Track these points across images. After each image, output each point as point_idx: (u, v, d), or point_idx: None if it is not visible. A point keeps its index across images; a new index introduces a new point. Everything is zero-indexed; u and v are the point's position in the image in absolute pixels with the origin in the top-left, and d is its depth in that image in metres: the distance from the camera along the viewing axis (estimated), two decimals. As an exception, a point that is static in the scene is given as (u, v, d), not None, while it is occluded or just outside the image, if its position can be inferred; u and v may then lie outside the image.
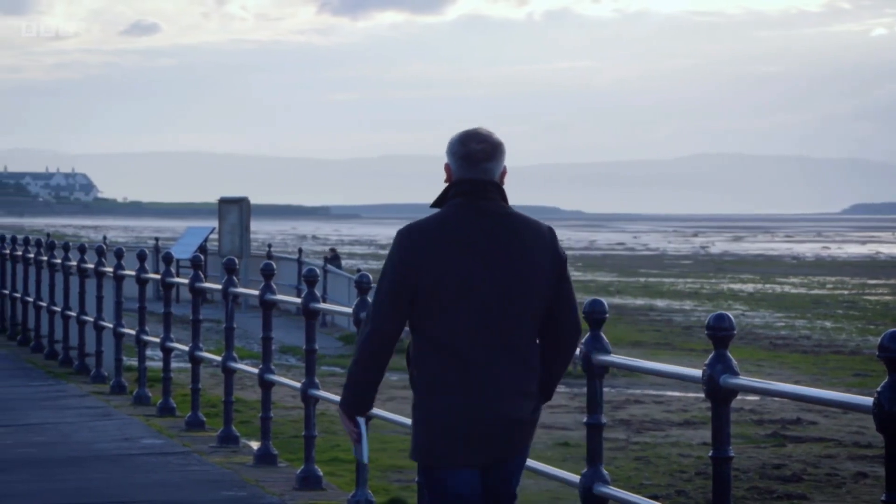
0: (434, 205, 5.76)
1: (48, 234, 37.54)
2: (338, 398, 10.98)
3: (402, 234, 5.65)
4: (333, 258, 41.92)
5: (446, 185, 5.73)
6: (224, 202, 44.63)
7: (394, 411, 11.61)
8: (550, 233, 5.73)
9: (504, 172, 5.72)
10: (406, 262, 5.60)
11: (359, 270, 32.30)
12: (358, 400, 5.74)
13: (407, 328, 5.73)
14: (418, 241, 5.60)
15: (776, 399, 22.26)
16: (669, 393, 25.36)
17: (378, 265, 78.53)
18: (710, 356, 6.23)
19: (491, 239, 5.62)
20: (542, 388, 5.80)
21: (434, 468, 5.69)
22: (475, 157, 5.65)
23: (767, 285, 64.41)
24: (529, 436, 5.85)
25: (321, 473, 10.95)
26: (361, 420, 5.80)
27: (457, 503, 5.68)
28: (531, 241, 5.66)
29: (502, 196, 5.69)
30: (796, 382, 24.33)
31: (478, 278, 5.59)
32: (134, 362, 18.42)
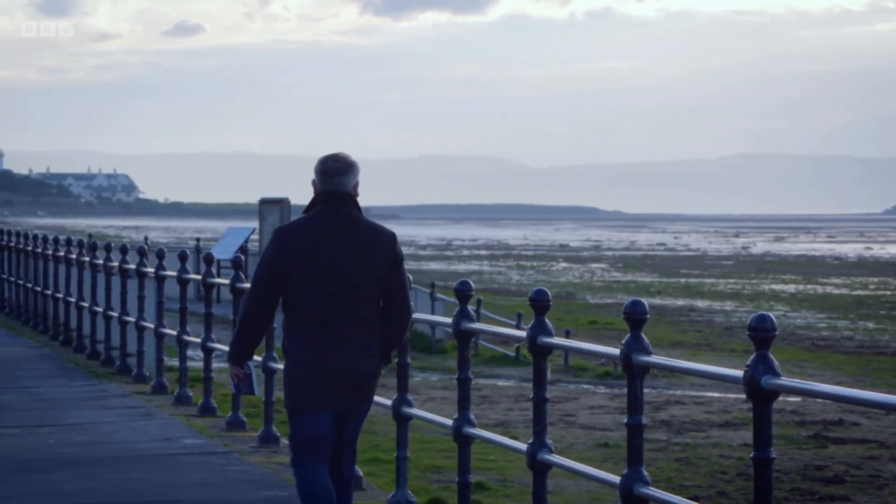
0: (304, 211, 7.47)
1: (90, 235, 37.74)
2: (379, 399, 10.99)
3: (276, 232, 7.40)
4: None
5: (313, 196, 7.45)
6: (265, 203, 44.72)
7: (433, 412, 11.65)
8: (391, 236, 7.46)
9: (357, 185, 7.44)
10: (278, 253, 7.35)
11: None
12: (244, 351, 7.57)
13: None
14: (288, 238, 7.35)
15: (818, 400, 22.14)
16: (710, 394, 25.26)
17: (417, 266, 78.58)
18: (752, 357, 6.19)
19: (343, 238, 7.35)
20: (382, 353, 7.50)
21: (298, 413, 7.39)
22: (331, 174, 7.39)
23: (809, 286, 64.05)
24: (373, 388, 7.51)
25: (361, 473, 10.95)
26: (250, 363, 7.64)
27: (314, 441, 7.38)
28: (374, 241, 7.39)
29: (355, 204, 7.42)
30: (838, 383, 24.18)
31: (333, 267, 7.32)
32: (175, 362, 18.49)
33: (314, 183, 7.46)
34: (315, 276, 7.31)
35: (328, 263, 7.32)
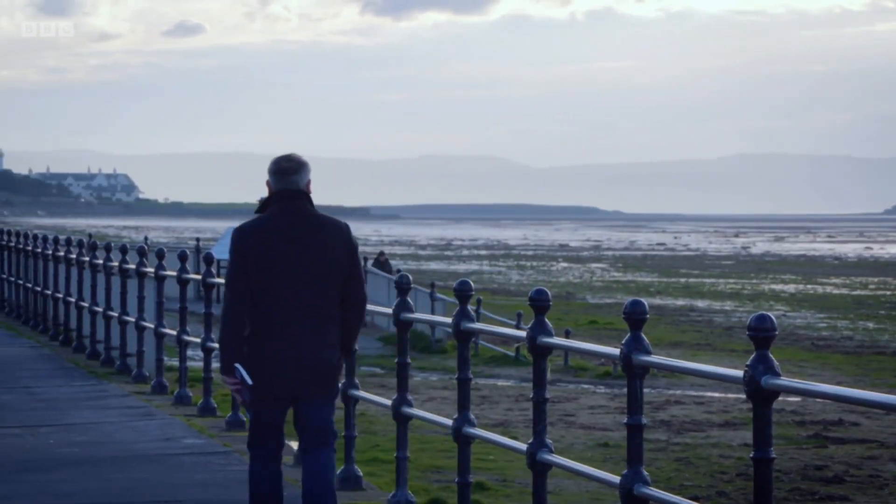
0: (258, 210, 7.77)
1: (90, 235, 37.74)
2: (379, 399, 11.01)
3: (236, 232, 7.71)
4: (385, 263, 41.38)
5: (268, 195, 7.75)
6: (265, 203, 44.75)
7: (433, 412, 11.66)
8: (346, 228, 7.75)
9: (309, 182, 7.74)
10: (240, 252, 7.64)
11: (398, 271, 32.18)
12: (233, 355, 7.65)
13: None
14: (247, 237, 7.66)
15: (818, 400, 22.14)
16: (710, 394, 25.26)
17: (417, 266, 78.57)
18: (752, 357, 6.19)
19: (300, 233, 7.63)
20: (342, 343, 7.77)
21: (257, 401, 7.70)
22: (285, 173, 7.69)
23: (809, 286, 64.06)
24: (334, 377, 7.74)
25: (361, 473, 10.96)
26: (240, 368, 7.63)
27: (268, 428, 7.79)
28: (330, 234, 7.67)
29: (309, 200, 7.72)
30: (838, 383, 24.18)
31: (292, 261, 7.60)
32: (175, 362, 18.50)
33: (268, 183, 7.77)
34: (276, 271, 7.62)
35: (288, 258, 7.62)
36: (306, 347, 7.60)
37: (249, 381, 7.58)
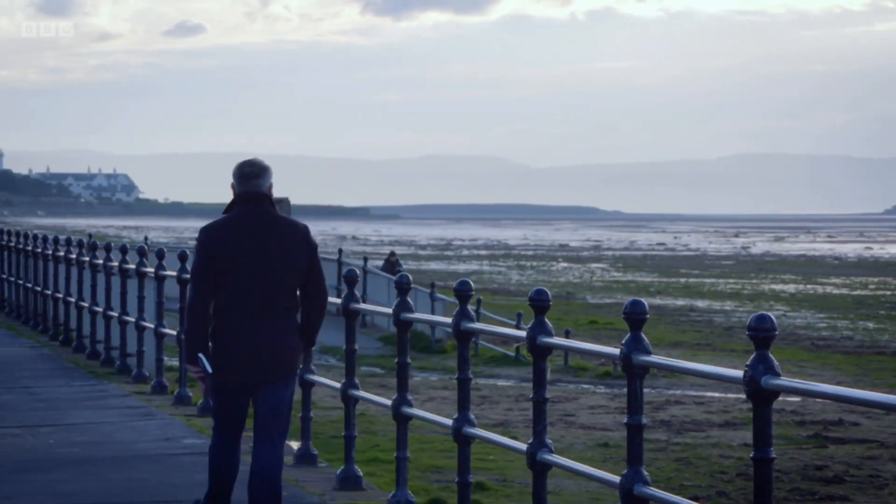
0: (225, 211, 8.30)
1: (90, 235, 37.73)
2: (379, 399, 11.01)
3: (202, 231, 8.24)
4: (395, 263, 41.21)
5: (232, 198, 8.27)
6: (265, 203, 44.70)
7: (433, 412, 11.66)
8: (304, 229, 8.29)
9: (271, 186, 8.26)
10: (205, 250, 8.15)
11: (398, 271, 32.13)
12: (197, 346, 8.17)
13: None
14: (212, 236, 8.16)
15: (818, 400, 22.14)
16: (710, 394, 25.26)
17: (417, 266, 78.56)
18: (752, 357, 6.19)
19: (261, 233, 8.16)
20: (304, 334, 8.34)
21: (220, 388, 8.21)
22: (248, 177, 8.22)
23: (809, 286, 64.05)
24: (293, 363, 8.24)
25: (361, 473, 10.96)
26: (202, 358, 8.16)
27: (231, 414, 8.31)
28: (289, 234, 8.19)
29: (271, 203, 8.24)
30: (838, 383, 24.18)
31: (253, 259, 8.13)
32: (175, 362, 18.49)
33: (233, 186, 8.29)
34: (240, 268, 8.14)
35: (251, 256, 8.15)
36: (265, 339, 8.13)
37: (209, 370, 8.19)
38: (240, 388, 8.20)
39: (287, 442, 13.07)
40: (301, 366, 11.88)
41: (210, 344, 8.16)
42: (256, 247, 8.13)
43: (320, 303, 8.34)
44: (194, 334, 8.18)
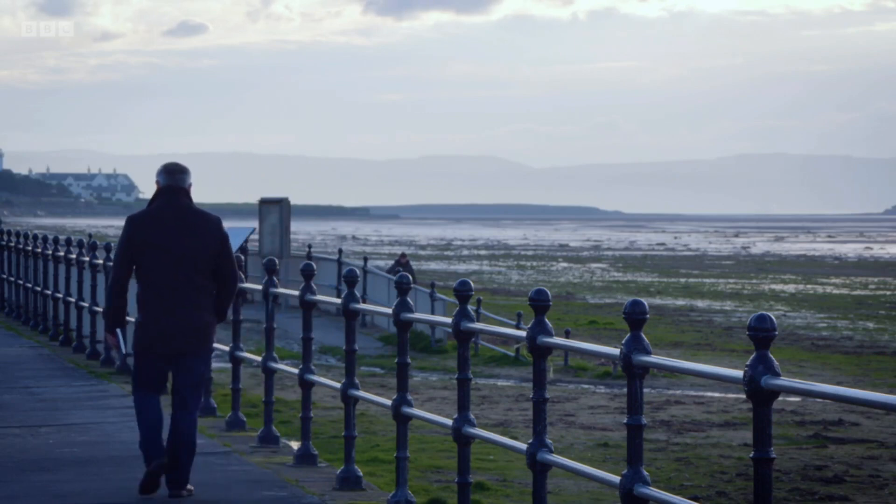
0: (149, 204, 9.66)
1: (90, 235, 37.74)
2: (379, 399, 11.02)
3: (127, 220, 9.67)
4: (406, 264, 41.08)
5: (156, 191, 9.67)
6: (264, 203, 44.68)
7: (433, 412, 11.66)
8: (217, 220, 9.70)
9: (190, 185, 9.66)
10: (129, 236, 9.61)
11: (397, 271, 32.13)
12: (115, 320, 9.75)
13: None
14: (138, 224, 9.62)
15: (818, 400, 22.14)
16: (710, 394, 25.26)
17: (417, 265, 78.53)
18: (752, 357, 6.19)
19: (178, 222, 9.56)
20: (216, 309, 9.70)
21: (141, 354, 9.66)
22: (171, 173, 9.70)
23: (809, 286, 64.05)
24: (207, 337, 9.65)
25: (361, 473, 10.96)
26: (118, 331, 9.78)
27: (148, 376, 9.68)
28: (202, 224, 9.61)
29: (189, 197, 9.65)
30: (838, 383, 24.19)
31: (171, 245, 9.52)
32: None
33: (157, 182, 9.69)
34: (160, 252, 9.52)
35: (170, 241, 9.52)
36: (181, 314, 9.51)
37: (124, 350, 10.01)
38: (159, 357, 9.61)
39: (287, 442, 13.10)
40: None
41: (137, 316, 9.63)
42: (174, 234, 9.52)
43: (231, 283, 9.66)
44: (113, 310, 9.70)
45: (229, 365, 14.60)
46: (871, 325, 42.50)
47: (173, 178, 9.65)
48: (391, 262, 56.24)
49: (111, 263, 18.24)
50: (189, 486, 9.84)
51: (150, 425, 9.69)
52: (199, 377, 9.66)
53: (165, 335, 9.52)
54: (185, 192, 9.64)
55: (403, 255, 44.13)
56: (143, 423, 9.70)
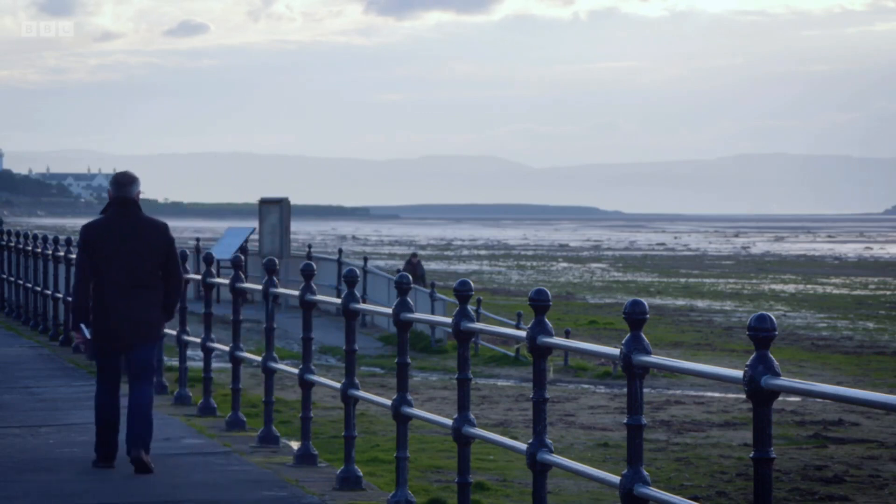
0: (102, 213, 10.95)
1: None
2: (379, 399, 11.02)
3: (83, 228, 10.89)
4: (417, 265, 40.93)
5: (108, 201, 10.95)
6: (264, 203, 44.65)
7: (433, 412, 11.64)
8: (164, 226, 10.97)
9: (139, 193, 10.91)
10: (86, 243, 10.83)
11: (399, 271, 32.17)
12: (79, 318, 10.86)
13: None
14: (91, 231, 10.85)
15: (818, 400, 22.14)
16: (710, 394, 25.26)
17: (418, 265, 78.43)
18: (752, 357, 6.19)
19: (128, 230, 10.81)
20: (164, 305, 10.94)
21: (100, 348, 10.86)
22: (121, 185, 10.92)
23: (809, 286, 64.05)
24: (156, 329, 10.93)
25: (361, 473, 10.96)
26: (83, 327, 10.85)
27: (107, 369, 10.98)
28: (150, 230, 10.87)
29: (137, 206, 10.88)
30: (838, 383, 24.19)
31: (125, 249, 10.75)
32: (175, 362, 18.49)
33: (109, 192, 10.91)
34: (113, 255, 10.72)
35: (121, 246, 10.73)
36: (134, 310, 10.72)
37: (88, 336, 10.85)
38: (114, 349, 10.83)
39: (287, 442, 13.11)
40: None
41: (91, 315, 10.77)
42: (125, 239, 10.74)
43: (176, 282, 10.95)
44: (78, 308, 10.81)
45: (229, 365, 14.60)
46: (871, 325, 42.50)
47: (123, 189, 10.87)
48: (402, 263, 56.13)
49: None
50: (149, 458, 10.78)
51: (108, 420, 10.93)
52: (149, 361, 10.91)
53: (119, 330, 10.73)
54: (133, 202, 10.87)
55: (415, 254, 44.11)
56: (101, 416, 10.96)
